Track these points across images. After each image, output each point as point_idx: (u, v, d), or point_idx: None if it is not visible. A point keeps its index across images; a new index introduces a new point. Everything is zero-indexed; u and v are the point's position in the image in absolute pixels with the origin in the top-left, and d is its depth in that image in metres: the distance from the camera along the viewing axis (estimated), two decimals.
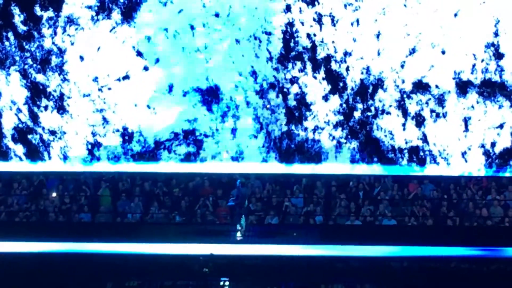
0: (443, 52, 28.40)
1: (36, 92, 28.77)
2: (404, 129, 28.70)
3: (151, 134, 29.20)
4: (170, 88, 29.15)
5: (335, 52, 28.72)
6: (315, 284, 27.42)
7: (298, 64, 29.01)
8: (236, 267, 26.96)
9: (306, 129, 29.10)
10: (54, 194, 29.04)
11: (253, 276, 27.26)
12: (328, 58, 28.73)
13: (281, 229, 27.97)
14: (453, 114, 28.53)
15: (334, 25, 28.67)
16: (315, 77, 28.89)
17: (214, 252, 26.70)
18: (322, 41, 28.62)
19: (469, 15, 28.30)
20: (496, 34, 28.31)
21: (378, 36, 28.52)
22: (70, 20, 28.76)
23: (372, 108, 28.73)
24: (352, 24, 28.63)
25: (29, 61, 28.76)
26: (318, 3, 28.71)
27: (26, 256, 26.90)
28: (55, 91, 28.83)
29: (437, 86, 28.50)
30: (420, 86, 28.50)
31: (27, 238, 27.09)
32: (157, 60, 29.08)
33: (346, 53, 28.68)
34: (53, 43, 28.77)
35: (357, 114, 28.78)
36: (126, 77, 28.99)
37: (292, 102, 29.05)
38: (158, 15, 29.19)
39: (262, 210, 28.75)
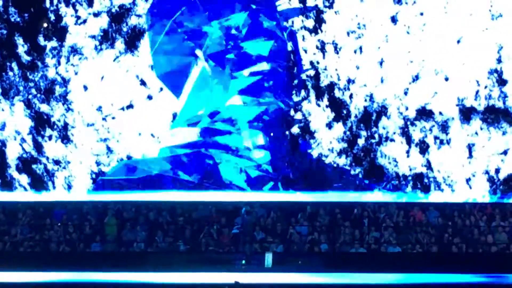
0: (447, 79, 28.48)
1: (40, 122, 28.87)
2: (408, 156, 28.69)
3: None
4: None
5: (339, 79, 28.86)
6: None
7: (302, 92, 29.22)
8: None
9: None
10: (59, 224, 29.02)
11: None
12: (331, 86, 28.84)
13: (286, 257, 27.80)
14: (457, 140, 28.51)
15: (337, 53, 28.84)
16: (318, 105, 29.00)
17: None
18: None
19: (472, 42, 28.37)
20: (499, 61, 28.40)
21: (381, 63, 28.62)
22: (74, 50, 28.97)
23: (376, 135, 28.77)
24: (355, 51, 28.77)
25: (33, 91, 28.90)
26: (321, 31, 28.92)
27: (31, 286, 26.67)
28: (59, 120, 28.95)
29: (440, 113, 28.53)
30: (424, 113, 28.51)
31: (31, 269, 26.85)
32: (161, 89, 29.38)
33: (349, 81, 28.79)
34: (57, 72, 28.96)
35: (361, 142, 28.80)
36: (130, 106, 29.18)
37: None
38: None
39: (268, 238, 28.61)
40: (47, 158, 28.96)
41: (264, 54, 29.52)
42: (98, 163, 29.11)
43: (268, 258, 27.28)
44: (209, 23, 29.74)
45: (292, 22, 29.43)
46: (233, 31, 29.70)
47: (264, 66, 29.65)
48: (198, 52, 29.61)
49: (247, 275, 26.86)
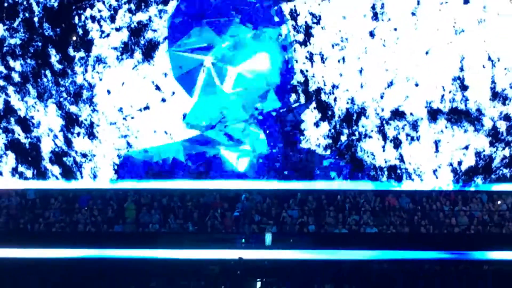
0: (417, 85, 29.63)
1: (70, 121, 29.92)
2: (383, 151, 29.81)
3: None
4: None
5: (324, 85, 29.90)
6: (309, 284, 28.77)
7: (293, 96, 30.32)
8: (241, 269, 28.36)
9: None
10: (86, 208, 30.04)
11: (255, 276, 28.96)
12: (318, 90, 29.88)
13: (279, 236, 28.88)
14: (425, 137, 29.68)
15: (323, 62, 29.86)
16: (307, 107, 30.01)
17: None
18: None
19: (438, 53, 29.58)
20: (461, 69, 29.54)
21: (361, 71, 29.69)
22: (99, 60, 30.04)
23: (356, 133, 29.86)
24: (339, 61, 29.78)
25: (64, 94, 29.96)
26: (310, 44, 29.96)
27: (61, 261, 28.20)
28: (86, 120, 30.03)
29: (411, 114, 29.71)
30: (397, 114, 29.64)
31: (62, 246, 28.33)
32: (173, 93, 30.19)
33: (334, 86, 29.81)
34: (84, 79, 30.05)
35: (343, 138, 29.87)
36: (147, 107, 30.09)
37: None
38: None
39: (264, 220, 29.59)
40: (76, 152, 29.96)
41: (263, 63, 30.47)
42: (119, 156, 29.98)
43: (268, 237, 28.48)
44: (216, 37, 30.44)
45: (286, 36, 30.27)
46: (237, 43, 30.52)
47: (262, 73, 30.50)
48: (206, 60, 30.31)
49: (247, 251, 28.21)
